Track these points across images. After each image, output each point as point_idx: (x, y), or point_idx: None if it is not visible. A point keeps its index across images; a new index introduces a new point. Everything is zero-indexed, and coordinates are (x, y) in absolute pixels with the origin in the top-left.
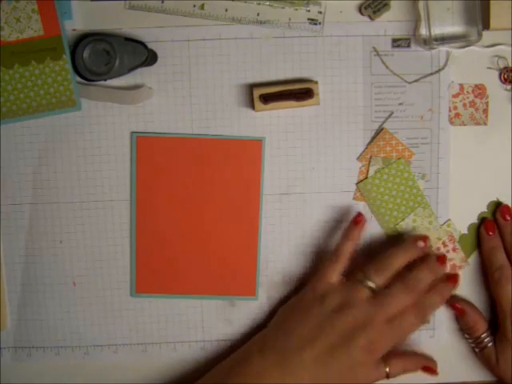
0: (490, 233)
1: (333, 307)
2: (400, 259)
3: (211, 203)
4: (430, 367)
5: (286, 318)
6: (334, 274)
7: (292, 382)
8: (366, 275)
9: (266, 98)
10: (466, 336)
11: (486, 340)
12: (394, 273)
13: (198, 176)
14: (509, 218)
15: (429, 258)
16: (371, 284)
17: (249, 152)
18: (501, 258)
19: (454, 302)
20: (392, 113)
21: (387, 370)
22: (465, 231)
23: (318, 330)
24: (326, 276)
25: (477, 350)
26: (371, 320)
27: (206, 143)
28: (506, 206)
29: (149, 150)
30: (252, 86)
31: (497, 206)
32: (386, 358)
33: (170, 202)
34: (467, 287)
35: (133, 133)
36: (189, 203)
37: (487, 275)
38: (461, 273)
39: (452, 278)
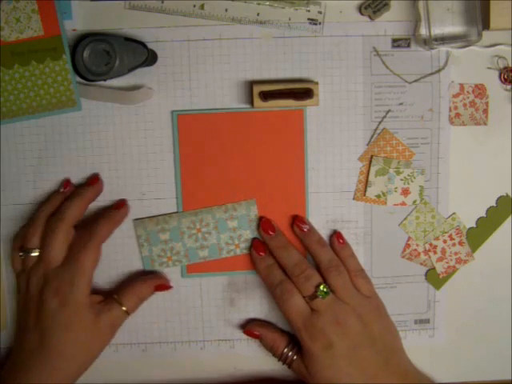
0: (261, 253)
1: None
2: None
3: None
4: (161, 285)
5: None
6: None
7: None
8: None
9: (266, 96)
10: (271, 355)
11: (289, 355)
12: None
13: (240, 150)
14: (272, 233)
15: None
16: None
17: (291, 122)
18: (277, 274)
19: (249, 329)
20: (389, 110)
21: (124, 308)
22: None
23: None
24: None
25: (285, 365)
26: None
27: (246, 117)
28: (265, 222)
29: (190, 127)
30: (252, 83)
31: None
32: (119, 297)
33: (214, 184)
34: (473, 282)
35: (173, 111)
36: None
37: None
38: (466, 267)
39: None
